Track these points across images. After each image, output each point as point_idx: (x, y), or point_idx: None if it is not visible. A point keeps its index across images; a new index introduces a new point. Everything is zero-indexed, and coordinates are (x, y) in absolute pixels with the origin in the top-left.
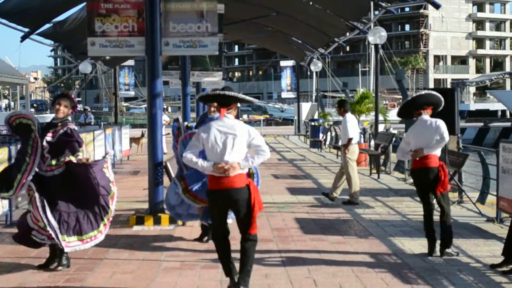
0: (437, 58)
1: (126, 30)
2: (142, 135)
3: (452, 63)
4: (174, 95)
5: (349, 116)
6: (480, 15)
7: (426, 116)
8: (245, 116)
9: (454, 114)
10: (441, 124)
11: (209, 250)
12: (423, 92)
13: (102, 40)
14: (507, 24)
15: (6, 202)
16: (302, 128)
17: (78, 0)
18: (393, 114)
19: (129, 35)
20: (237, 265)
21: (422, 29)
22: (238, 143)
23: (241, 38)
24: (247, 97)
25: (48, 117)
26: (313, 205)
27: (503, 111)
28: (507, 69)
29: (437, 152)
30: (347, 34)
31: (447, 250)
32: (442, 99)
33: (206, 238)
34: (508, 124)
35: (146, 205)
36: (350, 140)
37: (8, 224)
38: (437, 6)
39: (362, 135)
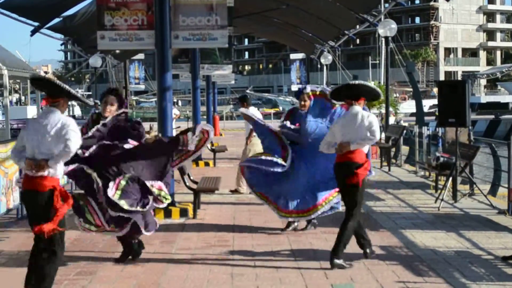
0: (448, 51)
1: (136, 23)
2: (151, 129)
3: (462, 56)
4: (184, 88)
5: (253, 109)
6: (490, 7)
7: (357, 107)
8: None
9: (465, 107)
10: (374, 120)
11: (220, 243)
12: (357, 82)
13: (112, 33)
14: None
15: (17, 195)
16: None
17: None
18: (404, 107)
19: (138, 29)
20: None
21: (432, 22)
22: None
23: (251, 31)
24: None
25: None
26: None
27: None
28: None
29: (365, 149)
30: (357, 26)
31: (336, 261)
32: (379, 92)
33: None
34: None
35: None
36: (251, 130)
37: (19, 217)
38: None
39: None
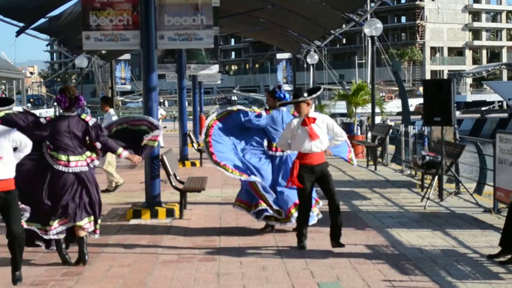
0: (434, 50)
1: (121, 23)
2: None
3: (448, 55)
4: (170, 88)
5: (112, 111)
6: (476, 6)
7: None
8: None
9: (450, 105)
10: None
11: (206, 243)
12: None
13: (97, 34)
14: (503, 15)
15: None
16: None
17: None
18: (390, 106)
19: (124, 29)
20: None
21: (418, 21)
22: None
23: (237, 31)
24: None
25: (44, 112)
26: None
27: (500, 102)
28: (504, 60)
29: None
30: (343, 26)
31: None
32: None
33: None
34: (505, 115)
35: (143, 199)
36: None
37: None
38: None
39: (359, 127)
